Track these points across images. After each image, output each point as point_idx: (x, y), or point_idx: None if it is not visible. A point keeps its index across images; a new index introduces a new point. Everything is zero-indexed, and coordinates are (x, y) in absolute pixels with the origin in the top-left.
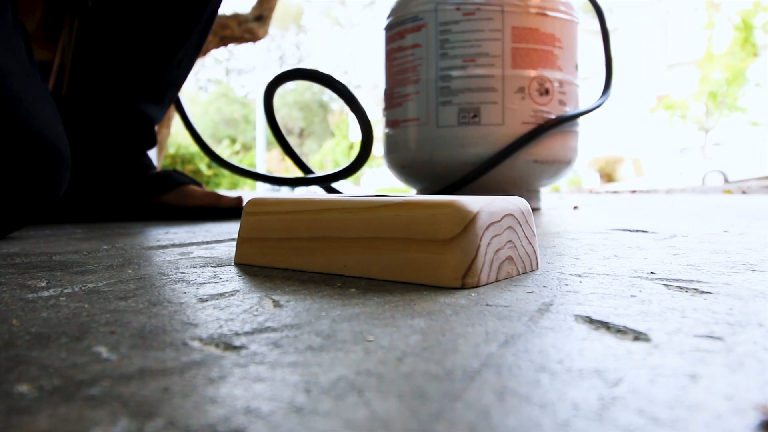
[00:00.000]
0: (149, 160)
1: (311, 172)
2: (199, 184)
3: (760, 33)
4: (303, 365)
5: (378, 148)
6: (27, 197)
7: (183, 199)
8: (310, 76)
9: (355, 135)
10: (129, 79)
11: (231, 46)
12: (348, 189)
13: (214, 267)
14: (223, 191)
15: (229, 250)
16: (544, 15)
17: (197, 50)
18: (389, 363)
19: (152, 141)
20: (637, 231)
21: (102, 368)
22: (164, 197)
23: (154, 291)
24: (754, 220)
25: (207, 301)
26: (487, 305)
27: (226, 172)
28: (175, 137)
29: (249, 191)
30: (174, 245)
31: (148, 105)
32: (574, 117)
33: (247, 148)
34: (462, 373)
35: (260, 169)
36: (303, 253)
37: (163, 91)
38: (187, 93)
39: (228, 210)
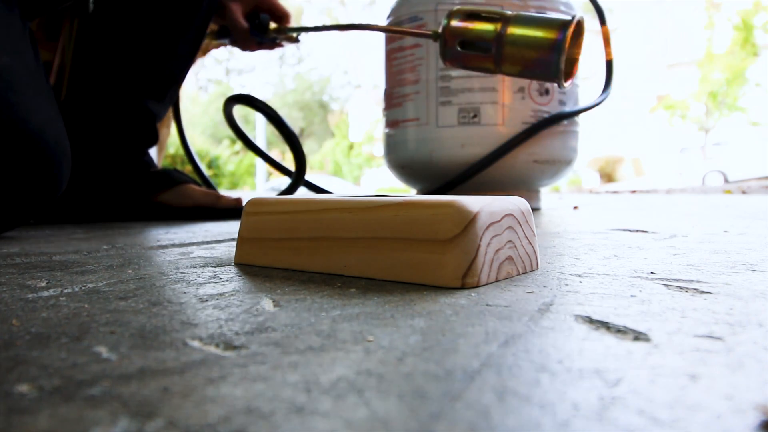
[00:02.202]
0: (150, 158)
1: (293, 173)
2: (198, 184)
3: (760, 33)
4: (303, 365)
5: (378, 148)
6: (27, 193)
7: (182, 199)
8: (256, 106)
9: (292, 159)
10: (131, 76)
11: (230, 46)
12: (348, 189)
13: (214, 267)
14: (222, 191)
15: (229, 250)
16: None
17: (197, 45)
18: (389, 363)
19: (154, 138)
20: (637, 231)
21: (102, 368)
22: (163, 196)
23: (154, 291)
24: (754, 220)
25: (207, 301)
26: (487, 305)
27: (226, 172)
28: (175, 137)
29: (249, 191)
30: (174, 245)
31: (150, 102)
32: (574, 114)
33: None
34: (462, 373)
35: (260, 170)
36: (303, 253)
37: (165, 87)
38: (187, 93)
39: (227, 211)
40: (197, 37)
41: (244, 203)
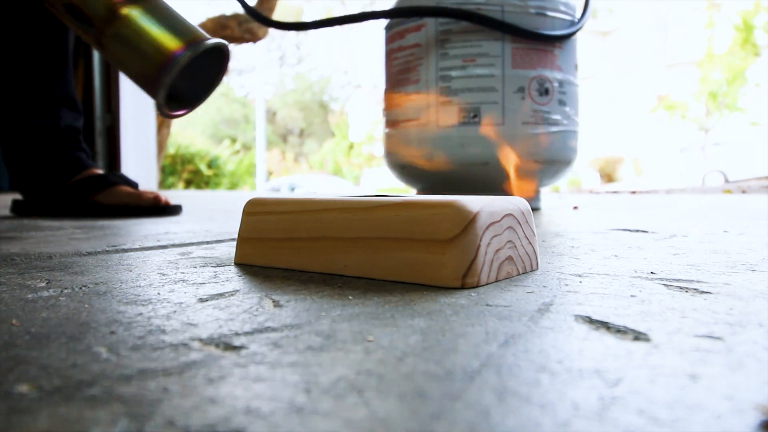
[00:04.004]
0: (82, 155)
1: None
2: (133, 185)
3: (760, 33)
4: (303, 365)
5: (378, 148)
6: None
7: (112, 199)
8: None
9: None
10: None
11: (231, 46)
12: (348, 189)
13: (214, 267)
14: (222, 191)
15: (229, 250)
16: (544, 15)
17: (67, 77)
18: (389, 363)
19: (75, 135)
20: (637, 231)
21: (102, 368)
22: (97, 197)
23: (153, 291)
24: (754, 220)
25: (207, 301)
26: (487, 305)
27: (226, 173)
28: (175, 137)
29: (249, 191)
30: (174, 245)
31: (38, 119)
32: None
33: (247, 148)
34: (462, 373)
35: (260, 170)
36: (303, 253)
37: (55, 106)
38: None
39: (147, 208)
40: (74, 60)
41: (162, 200)
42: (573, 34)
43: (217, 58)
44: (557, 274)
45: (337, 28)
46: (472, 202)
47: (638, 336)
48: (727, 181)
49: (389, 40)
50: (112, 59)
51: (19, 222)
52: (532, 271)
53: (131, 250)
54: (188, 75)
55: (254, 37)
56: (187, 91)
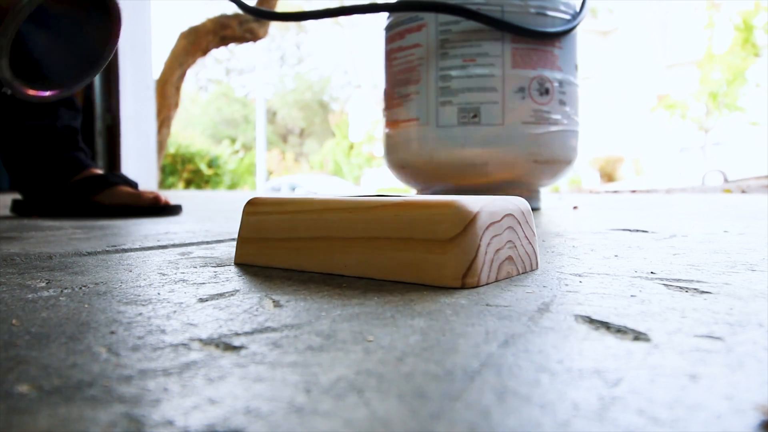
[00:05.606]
0: (81, 155)
1: None
2: (133, 185)
3: (760, 33)
4: (303, 365)
5: (378, 148)
6: None
7: (112, 199)
8: None
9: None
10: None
11: (231, 45)
12: (348, 189)
13: (214, 267)
14: (223, 190)
15: (229, 250)
16: (544, 15)
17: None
18: (389, 363)
19: (73, 135)
20: (637, 231)
21: (102, 368)
22: (97, 197)
23: (153, 291)
24: (754, 220)
25: (207, 301)
26: (487, 305)
27: (226, 171)
28: (175, 137)
29: (249, 191)
30: (174, 245)
31: (31, 121)
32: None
33: (247, 148)
34: (462, 373)
35: (260, 169)
36: (303, 253)
37: (57, 102)
38: (187, 93)
39: (146, 208)
40: None
41: (163, 199)
42: (571, 29)
43: (102, 20)
44: (557, 274)
45: (337, 28)
46: (472, 202)
47: (638, 336)
48: (726, 180)
49: (389, 40)
50: None
51: (19, 222)
52: (532, 271)
53: (131, 250)
54: (52, 40)
55: (254, 37)
56: (58, 66)
